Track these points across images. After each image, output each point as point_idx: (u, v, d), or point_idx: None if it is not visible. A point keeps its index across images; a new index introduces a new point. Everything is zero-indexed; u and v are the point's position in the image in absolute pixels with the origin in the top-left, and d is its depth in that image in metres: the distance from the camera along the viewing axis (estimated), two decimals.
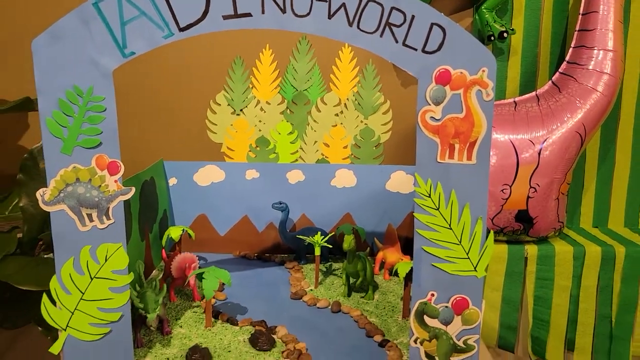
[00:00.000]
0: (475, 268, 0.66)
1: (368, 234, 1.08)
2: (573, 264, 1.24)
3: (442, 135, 0.63)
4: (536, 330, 1.29)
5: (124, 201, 0.66)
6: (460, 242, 0.65)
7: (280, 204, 1.05)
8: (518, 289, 1.27)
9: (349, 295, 0.93)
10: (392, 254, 1.00)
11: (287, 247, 1.11)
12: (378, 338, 0.79)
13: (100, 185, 0.65)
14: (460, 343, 0.67)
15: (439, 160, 0.64)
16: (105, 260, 0.67)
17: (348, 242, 0.88)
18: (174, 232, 0.98)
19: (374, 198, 1.09)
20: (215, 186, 1.11)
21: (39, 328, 1.02)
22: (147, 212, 0.98)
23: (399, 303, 0.90)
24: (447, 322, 0.67)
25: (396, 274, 1.01)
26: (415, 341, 0.68)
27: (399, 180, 1.09)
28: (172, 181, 1.11)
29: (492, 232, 0.65)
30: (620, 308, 1.27)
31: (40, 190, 0.65)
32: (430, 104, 0.63)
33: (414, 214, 0.66)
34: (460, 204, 0.64)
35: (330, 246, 1.00)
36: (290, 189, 1.10)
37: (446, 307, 0.67)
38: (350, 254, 0.90)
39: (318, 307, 0.89)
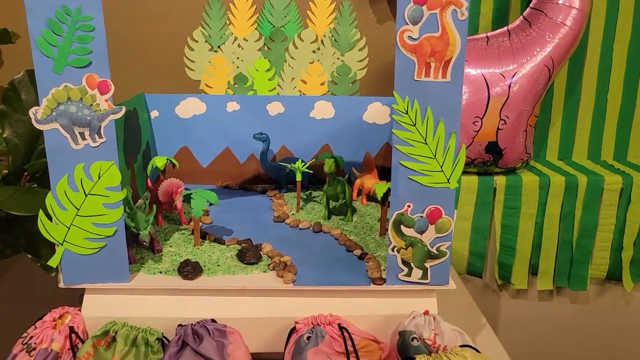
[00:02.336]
0: (448, 180, 0.71)
1: (346, 164, 1.13)
2: (538, 193, 1.32)
3: (418, 54, 0.67)
4: (503, 256, 1.37)
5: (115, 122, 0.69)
6: (435, 155, 0.70)
7: (261, 134, 1.09)
8: (487, 218, 1.35)
9: (329, 218, 0.98)
10: (369, 180, 1.05)
11: (268, 177, 1.15)
12: (357, 252, 0.84)
13: (91, 104, 0.68)
14: (434, 250, 0.73)
15: (415, 78, 0.68)
16: (99, 178, 0.70)
17: (329, 165, 0.93)
18: (159, 161, 1.01)
19: (352, 129, 1.13)
20: (196, 118, 1.13)
21: (29, 255, 1.06)
22: (131, 142, 1.01)
23: (376, 224, 0.96)
24: (422, 231, 0.73)
25: (373, 199, 1.07)
26: (392, 249, 0.74)
27: (376, 112, 1.13)
28: (154, 114, 1.13)
29: (464, 144, 0.70)
30: (580, 234, 1.36)
31: (33, 109, 0.67)
32: (408, 24, 0.66)
33: (392, 130, 0.70)
34: (435, 119, 0.69)
35: (311, 171, 1.04)
36: (270, 120, 1.13)
37: (421, 217, 0.72)
38: (330, 177, 0.95)
39: (300, 228, 0.94)
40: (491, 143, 1.25)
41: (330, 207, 0.99)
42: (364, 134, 1.13)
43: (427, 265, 0.74)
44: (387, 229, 0.73)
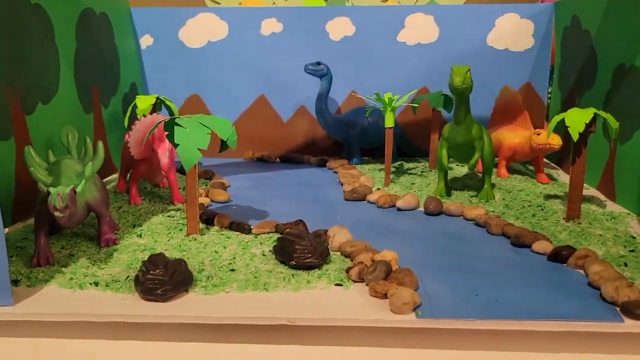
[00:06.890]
0: None
1: None
2: None
3: None
4: None
5: None
6: None
7: (319, 65, 0.65)
8: None
9: (447, 194, 0.52)
10: (512, 133, 0.59)
11: (329, 142, 0.70)
12: (542, 246, 0.37)
13: None
14: None
15: None
16: None
17: (461, 74, 0.47)
18: (143, 101, 0.58)
19: (468, 61, 0.68)
20: (213, 48, 0.71)
21: None
22: (96, 68, 0.59)
23: (546, 203, 0.49)
24: None
25: (514, 170, 0.60)
26: None
27: (511, 29, 0.67)
28: (146, 40, 0.71)
29: None
30: None
31: None
32: None
33: None
34: None
35: (415, 104, 0.58)
36: (333, 48, 0.70)
37: None
38: (460, 103, 0.49)
39: (399, 209, 0.48)
40: None
41: (448, 160, 0.52)
42: (489, 70, 0.68)
43: None
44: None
